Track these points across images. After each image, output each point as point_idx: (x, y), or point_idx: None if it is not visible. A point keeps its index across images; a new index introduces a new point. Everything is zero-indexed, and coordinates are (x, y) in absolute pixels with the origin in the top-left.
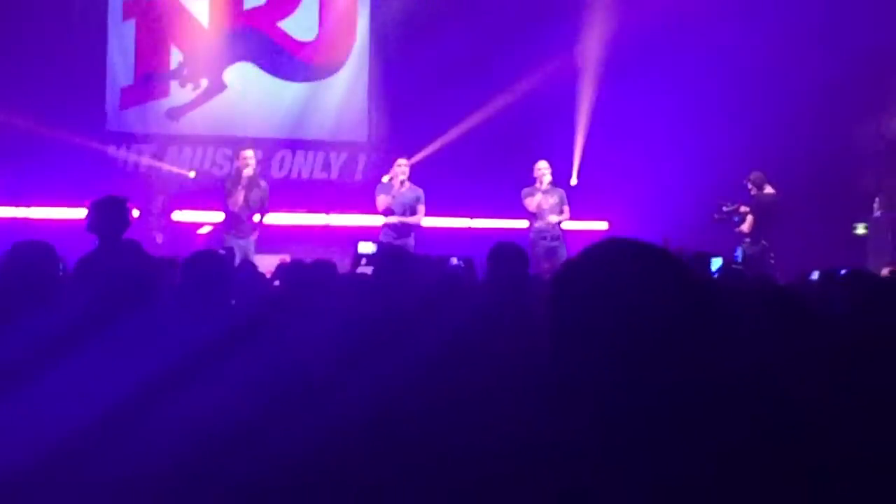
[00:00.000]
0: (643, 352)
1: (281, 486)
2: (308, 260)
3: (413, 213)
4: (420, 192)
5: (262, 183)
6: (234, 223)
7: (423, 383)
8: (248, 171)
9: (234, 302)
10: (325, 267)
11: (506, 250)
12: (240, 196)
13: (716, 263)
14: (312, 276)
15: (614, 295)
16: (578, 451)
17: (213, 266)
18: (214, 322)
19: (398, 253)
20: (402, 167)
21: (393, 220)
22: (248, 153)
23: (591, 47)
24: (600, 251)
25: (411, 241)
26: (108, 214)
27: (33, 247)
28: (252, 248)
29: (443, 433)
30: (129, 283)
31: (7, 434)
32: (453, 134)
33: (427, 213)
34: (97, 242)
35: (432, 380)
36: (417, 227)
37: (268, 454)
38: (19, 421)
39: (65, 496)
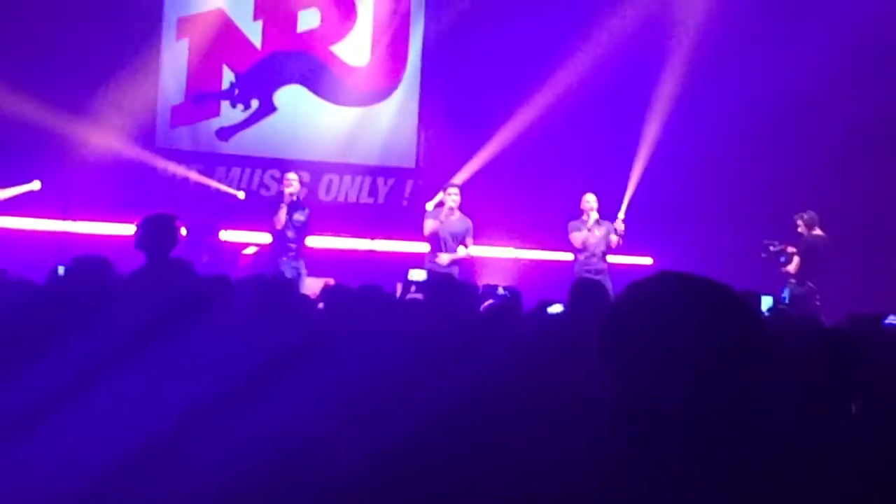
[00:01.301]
0: (698, 388)
1: None
2: (354, 284)
3: (460, 242)
4: (469, 223)
5: (307, 208)
6: (282, 243)
7: (481, 410)
8: (290, 190)
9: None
10: (372, 291)
11: (588, 287)
12: (282, 214)
13: (766, 303)
14: (359, 300)
15: (667, 329)
16: (634, 484)
17: (266, 289)
18: (265, 344)
19: (452, 281)
20: (453, 195)
21: (445, 258)
22: (292, 175)
23: (653, 78)
24: (652, 285)
25: (456, 269)
26: (157, 231)
27: (92, 261)
28: (303, 271)
29: (502, 464)
30: (177, 302)
31: (54, 452)
32: (501, 160)
33: (476, 243)
34: (145, 259)
35: (488, 407)
36: (464, 258)
37: (317, 479)
38: (66, 439)
39: None
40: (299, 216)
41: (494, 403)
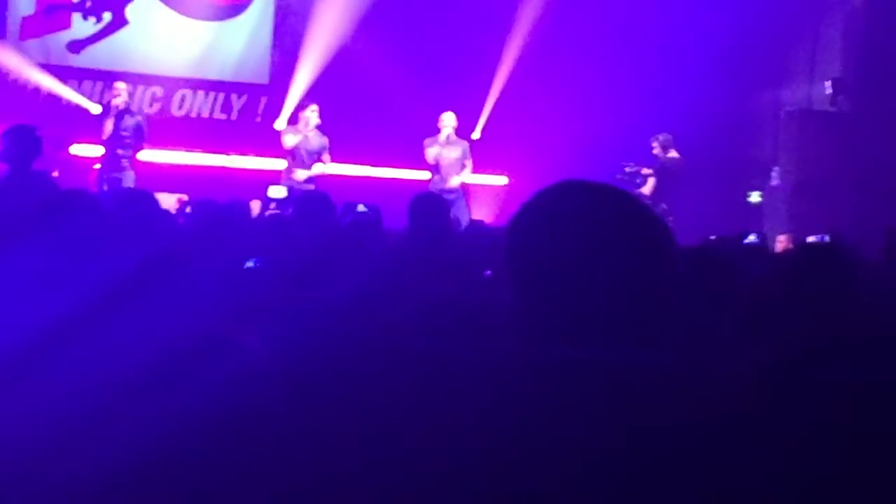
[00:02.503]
0: (604, 288)
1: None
2: (220, 200)
3: (317, 159)
4: (326, 140)
5: (137, 115)
6: (112, 155)
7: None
8: (117, 101)
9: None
10: (240, 207)
11: (426, 201)
12: (109, 124)
13: None
14: (226, 215)
15: (573, 233)
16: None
17: (127, 201)
18: (129, 255)
19: (320, 197)
20: (314, 111)
21: (302, 175)
22: (120, 84)
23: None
24: (555, 192)
25: (312, 187)
26: (20, 142)
27: None
28: (130, 184)
29: (375, 379)
30: (41, 212)
31: None
32: (359, 79)
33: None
34: (7, 171)
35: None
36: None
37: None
38: None
39: None
40: (127, 124)
41: (363, 316)
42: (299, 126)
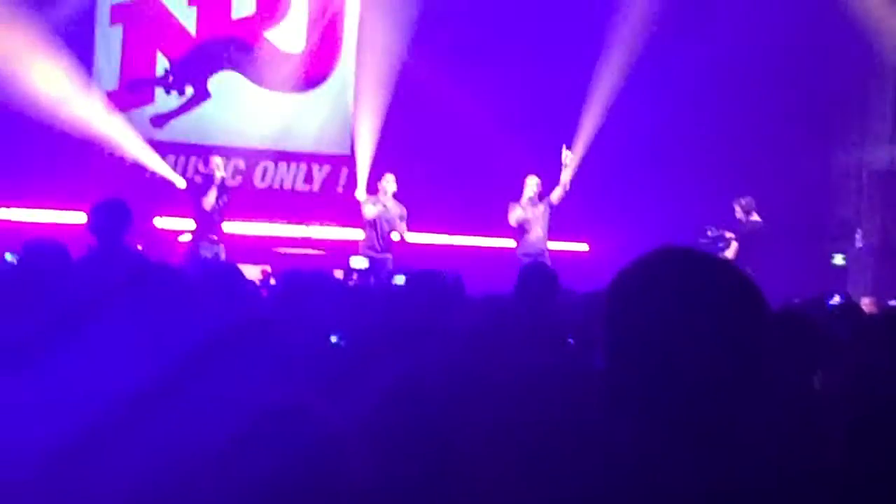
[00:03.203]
0: (702, 364)
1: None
2: (306, 269)
3: (395, 227)
4: (404, 209)
5: (226, 192)
6: (207, 228)
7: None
8: (220, 173)
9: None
10: (326, 277)
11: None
12: (212, 196)
13: None
14: (313, 284)
15: (672, 304)
16: (624, 457)
17: (212, 274)
18: (212, 330)
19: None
20: (390, 181)
21: (397, 235)
22: (218, 159)
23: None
24: (656, 259)
25: (390, 256)
26: (111, 217)
27: (47, 246)
28: (223, 256)
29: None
30: (131, 286)
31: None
32: (440, 148)
33: (410, 229)
34: (97, 244)
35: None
36: (398, 243)
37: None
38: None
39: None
40: (225, 200)
41: (453, 387)
42: (379, 196)
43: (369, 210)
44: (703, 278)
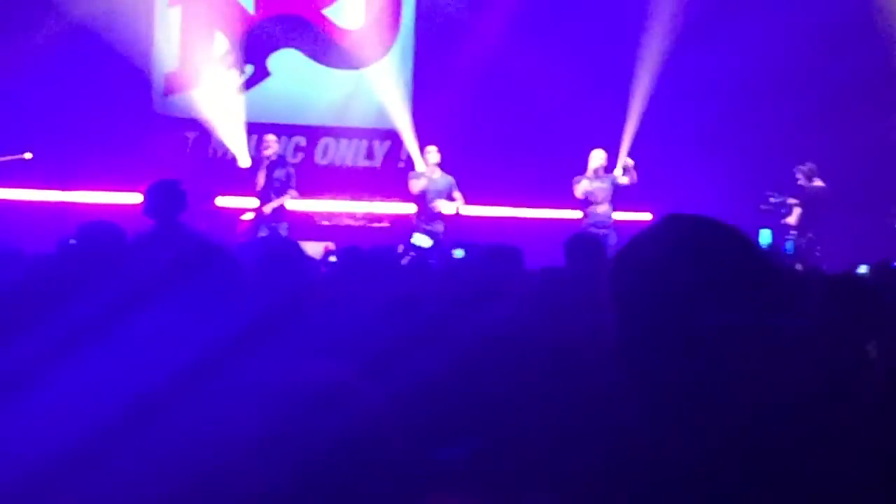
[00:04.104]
0: (714, 331)
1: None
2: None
3: (449, 198)
4: (452, 178)
5: (288, 166)
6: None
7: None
8: (268, 151)
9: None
10: (386, 253)
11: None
12: (262, 176)
13: (765, 236)
14: (373, 260)
15: (678, 268)
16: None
17: (271, 251)
18: (274, 302)
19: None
20: (432, 152)
21: (445, 207)
22: (270, 136)
23: (646, 36)
24: (663, 226)
25: (440, 226)
26: (164, 197)
27: (104, 227)
28: (284, 233)
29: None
30: (187, 264)
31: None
32: (499, 121)
33: (471, 202)
34: (153, 225)
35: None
36: (455, 215)
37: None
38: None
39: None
40: (279, 174)
41: (501, 358)
42: (424, 170)
43: (415, 185)
44: (709, 245)
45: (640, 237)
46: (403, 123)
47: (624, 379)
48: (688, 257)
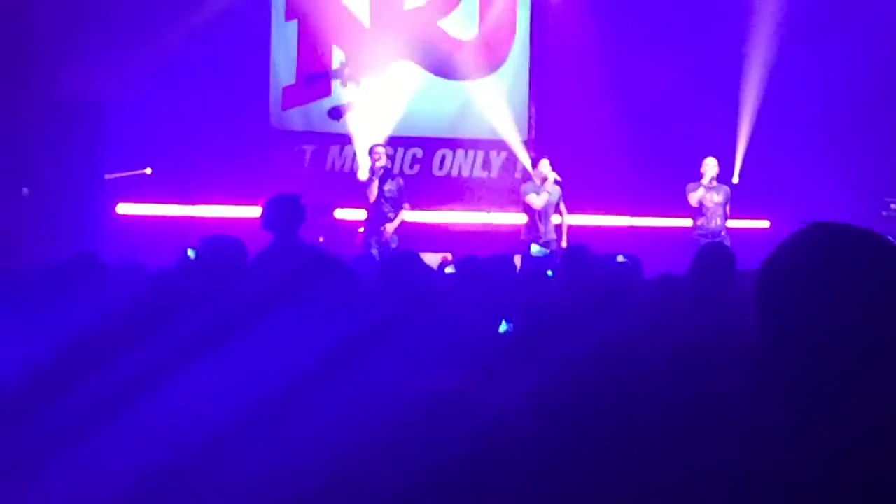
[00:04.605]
0: (858, 345)
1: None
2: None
3: (555, 210)
4: (560, 190)
5: (399, 178)
6: (377, 219)
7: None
8: (380, 163)
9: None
10: (504, 262)
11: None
12: (374, 187)
13: None
14: (491, 270)
15: (824, 283)
16: (782, 443)
17: (390, 262)
18: (393, 314)
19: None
20: (546, 165)
21: (557, 219)
22: (380, 148)
23: (754, 41)
24: (808, 234)
25: (553, 235)
26: (285, 211)
27: (225, 242)
28: (395, 244)
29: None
30: (307, 279)
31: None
32: (612, 129)
33: (581, 211)
34: (273, 239)
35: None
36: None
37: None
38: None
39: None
40: (390, 186)
41: (627, 366)
42: (544, 185)
43: (535, 200)
44: (855, 255)
45: (785, 245)
46: (517, 135)
47: (764, 383)
48: (836, 264)
